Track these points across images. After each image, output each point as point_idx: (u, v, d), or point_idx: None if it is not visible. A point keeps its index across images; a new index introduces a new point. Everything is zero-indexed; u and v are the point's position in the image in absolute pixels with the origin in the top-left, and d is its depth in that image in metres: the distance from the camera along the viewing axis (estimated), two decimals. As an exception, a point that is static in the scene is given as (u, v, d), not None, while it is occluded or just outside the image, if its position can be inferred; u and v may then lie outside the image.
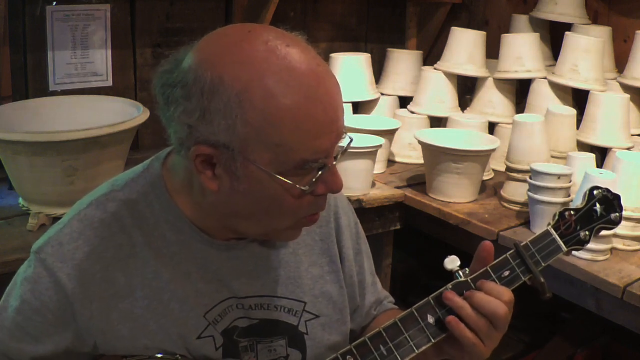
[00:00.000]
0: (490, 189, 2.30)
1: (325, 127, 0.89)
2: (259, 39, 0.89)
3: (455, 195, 2.14)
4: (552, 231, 1.10)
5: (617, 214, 1.15)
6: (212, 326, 1.01)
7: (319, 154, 0.90)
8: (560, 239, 1.10)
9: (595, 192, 1.15)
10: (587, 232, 1.12)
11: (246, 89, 0.85)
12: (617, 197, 1.16)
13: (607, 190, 1.16)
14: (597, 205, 1.14)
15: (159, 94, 0.92)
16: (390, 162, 2.52)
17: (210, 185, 0.92)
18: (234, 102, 0.86)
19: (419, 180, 2.32)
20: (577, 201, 1.24)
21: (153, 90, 0.93)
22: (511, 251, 1.06)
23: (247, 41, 0.88)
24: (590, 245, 1.74)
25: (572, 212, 1.12)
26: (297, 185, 0.91)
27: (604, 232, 1.66)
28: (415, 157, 2.50)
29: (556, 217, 1.11)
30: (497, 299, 0.99)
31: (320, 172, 0.92)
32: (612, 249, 1.82)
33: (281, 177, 0.90)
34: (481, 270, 1.04)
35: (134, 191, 1.01)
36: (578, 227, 1.12)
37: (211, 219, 1.00)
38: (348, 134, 0.97)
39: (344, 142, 0.96)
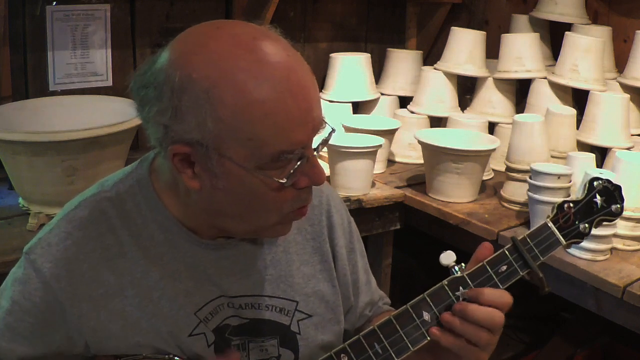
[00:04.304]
0: (490, 189, 2.30)
1: (299, 119, 0.88)
2: (227, 35, 0.88)
3: (455, 195, 2.14)
4: (551, 224, 1.06)
5: (619, 206, 1.10)
6: (204, 324, 1.01)
7: (295, 146, 0.88)
8: (559, 232, 1.05)
9: (595, 183, 1.10)
10: (586, 225, 1.07)
11: (215, 85, 0.85)
12: (618, 188, 1.11)
13: (608, 181, 1.10)
14: (598, 196, 1.09)
15: (135, 96, 0.92)
16: (390, 162, 2.52)
17: (192, 185, 0.92)
18: (203, 99, 0.85)
19: (419, 180, 2.32)
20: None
21: (130, 92, 0.93)
22: (508, 245, 1.03)
23: (215, 38, 0.88)
24: (591, 245, 1.76)
25: (571, 205, 1.07)
26: (275, 179, 0.89)
27: (603, 231, 1.70)
28: (415, 157, 2.50)
29: (555, 210, 1.07)
30: (500, 307, 0.97)
31: (298, 164, 0.90)
32: (612, 249, 1.81)
33: (258, 171, 0.88)
34: (478, 266, 1.01)
35: (122, 192, 1.01)
36: (577, 220, 1.07)
37: (198, 219, 0.99)
38: (329, 124, 0.94)
39: (324, 133, 0.94)
